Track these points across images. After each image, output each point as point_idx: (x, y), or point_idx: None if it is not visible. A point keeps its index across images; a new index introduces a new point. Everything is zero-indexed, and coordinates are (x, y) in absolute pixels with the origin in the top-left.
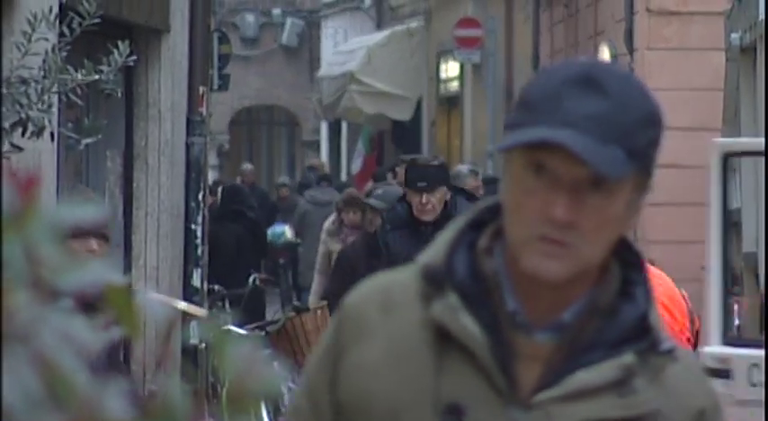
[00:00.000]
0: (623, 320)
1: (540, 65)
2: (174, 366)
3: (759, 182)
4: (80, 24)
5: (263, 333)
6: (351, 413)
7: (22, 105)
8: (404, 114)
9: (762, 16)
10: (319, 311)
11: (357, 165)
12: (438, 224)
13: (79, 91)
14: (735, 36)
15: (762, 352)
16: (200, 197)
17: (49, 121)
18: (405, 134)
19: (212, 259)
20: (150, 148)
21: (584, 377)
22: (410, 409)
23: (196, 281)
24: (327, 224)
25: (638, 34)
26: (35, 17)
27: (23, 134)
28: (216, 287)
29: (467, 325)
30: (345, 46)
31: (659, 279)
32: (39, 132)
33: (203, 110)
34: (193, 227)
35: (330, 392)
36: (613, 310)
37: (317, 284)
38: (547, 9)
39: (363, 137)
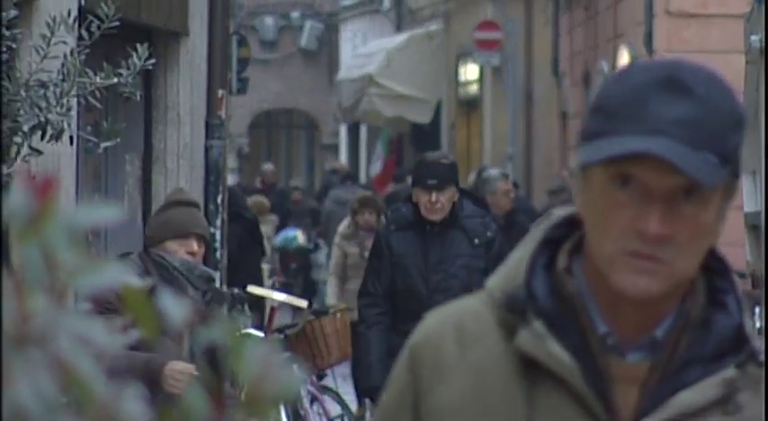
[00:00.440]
0: (718, 332)
1: (559, 67)
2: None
3: None
4: (99, 27)
5: (281, 336)
6: None
7: (41, 109)
8: (423, 117)
9: None
10: (338, 314)
11: (376, 168)
12: (445, 225)
13: (98, 94)
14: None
15: None
16: (219, 200)
17: (69, 125)
18: (424, 137)
19: None
20: (169, 152)
21: (686, 398)
22: None
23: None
24: (342, 228)
25: (657, 37)
26: (54, 20)
27: (43, 137)
28: (235, 290)
29: (556, 352)
30: (364, 49)
31: None
32: (58, 136)
33: (222, 113)
34: (212, 230)
35: None
36: (706, 322)
37: (332, 286)
38: (566, 12)
39: (382, 140)
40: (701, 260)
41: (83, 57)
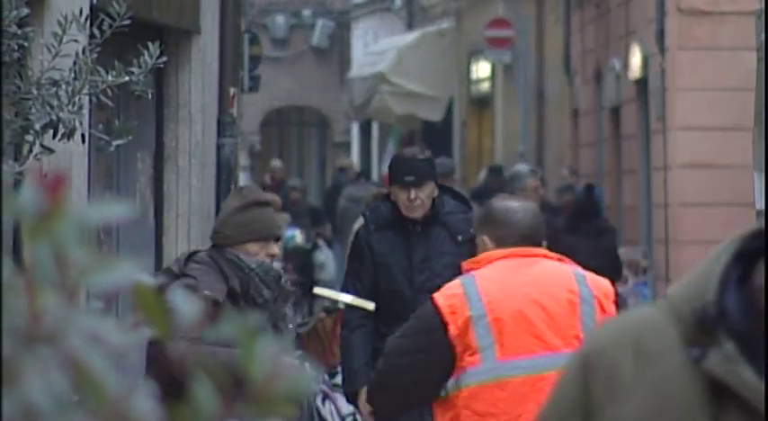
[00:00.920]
0: None
1: (571, 65)
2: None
3: None
4: (110, 26)
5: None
6: None
7: (52, 107)
8: (435, 115)
9: None
10: None
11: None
12: (427, 222)
13: (110, 92)
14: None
15: None
16: None
17: (80, 123)
18: (436, 134)
19: None
20: (181, 150)
21: None
22: None
23: None
24: (357, 226)
25: (669, 34)
26: (66, 19)
27: (54, 136)
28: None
29: (749, 378)
30: (376, 47)
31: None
32: (70, 134)
33: (234, 111)
34: None
35: None
36: None
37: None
38: (578, 9)
39: (394, 137)
40: None
41: (94, 55)
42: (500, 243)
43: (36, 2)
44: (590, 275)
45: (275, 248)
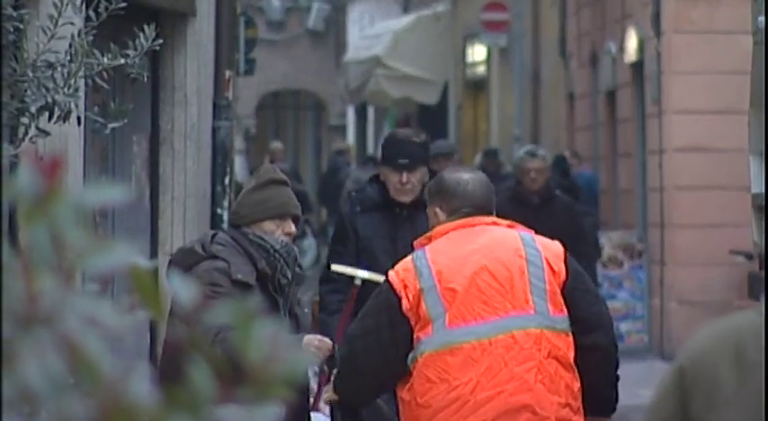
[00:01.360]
0: None
1: (566, 48)
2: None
3: None
4: (106, 8)
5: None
6: None
7: (48, 89)
8: (430, 98)
9: None
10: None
11: None
12: (415, 206)
13: (105, 75)
14: (762, 19)
15: None
16: (226, 181)
17: (76, 106)
18: (431, 118)
19: None
20: (176, 133)
21: None
22: None
23: None
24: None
25: (665, 17)
26: (61, 1)
27: (50, 118)
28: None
29: None
30: (372, 30)
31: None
32: (65, 116)
33: (229, 94)
34: (219, 211)
35: None
36: None
37: None
38: None
39: (390, 121)
40: None
41: (90, 37)
42: (451, 214)
43: None
44: (539, 237)
45: (292, 227)
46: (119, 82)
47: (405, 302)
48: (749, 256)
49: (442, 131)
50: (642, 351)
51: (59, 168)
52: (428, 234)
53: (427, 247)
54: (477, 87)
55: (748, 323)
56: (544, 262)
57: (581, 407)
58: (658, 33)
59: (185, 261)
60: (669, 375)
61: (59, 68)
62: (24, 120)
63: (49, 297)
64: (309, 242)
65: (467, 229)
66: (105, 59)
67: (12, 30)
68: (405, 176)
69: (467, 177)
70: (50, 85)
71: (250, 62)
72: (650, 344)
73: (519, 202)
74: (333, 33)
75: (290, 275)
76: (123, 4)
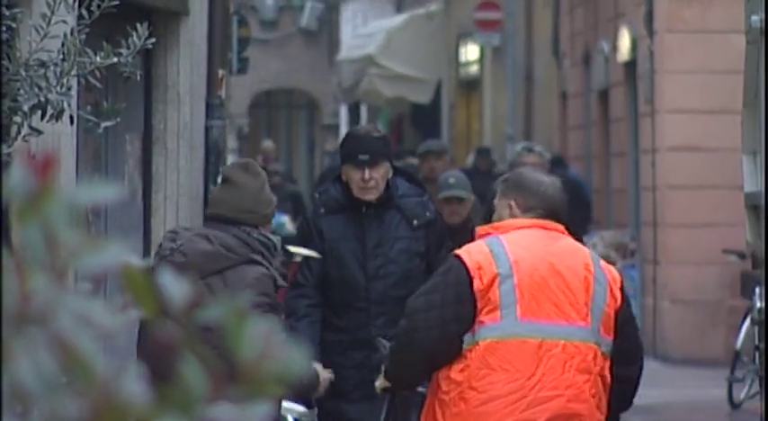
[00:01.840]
0: None
1: (559, 48)
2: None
3: None
4: (99, 7)
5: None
6: None
7: (41, 88)
8: (423, 97)
9: None
10: None
11: None
12: (381, 205)
13: (98, 74)
14: (755, 18)
15: None
16: (219, 181)
17: (69, 104)
18: (424, 117)
19: None
20: (169, 132)
21: None
22: None
23: None
24: None
25: (658, 17)
26: (54, 0)
27: (43, 117)
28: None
29: None
30: (365, 29)
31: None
32: (58, 115)
33: (222, 93)
34: None
35: None
36: None
37: None
38: None
39: (383, 120)
40: None
41: (83, 36)
42: (526, 211)
43: None
44: (602, 261)
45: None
46: (111, 81)
47: (477, 283)
48: (742, 256)
49: (434, 130)
50: None
51: (52, 167)
52: (497, 224)
53: (502, 236)
54: (471, 86)
55: None
56: (607, 284)
57: None
58: (651, 33)
59: (210, 264)
60: None
61: (52, 67)
62: (17, 118)
63: (42, 296)
64: None
65: (541, 231)
66: (98, 58)
67: (4, 29)
68: (367, 173)
69: (548, 180)
70: (43, 84)
71: (243, 61)
72: (643, 343)
73: None
74: (326, 32)
75: (281, 270)
76: (116, 3)
